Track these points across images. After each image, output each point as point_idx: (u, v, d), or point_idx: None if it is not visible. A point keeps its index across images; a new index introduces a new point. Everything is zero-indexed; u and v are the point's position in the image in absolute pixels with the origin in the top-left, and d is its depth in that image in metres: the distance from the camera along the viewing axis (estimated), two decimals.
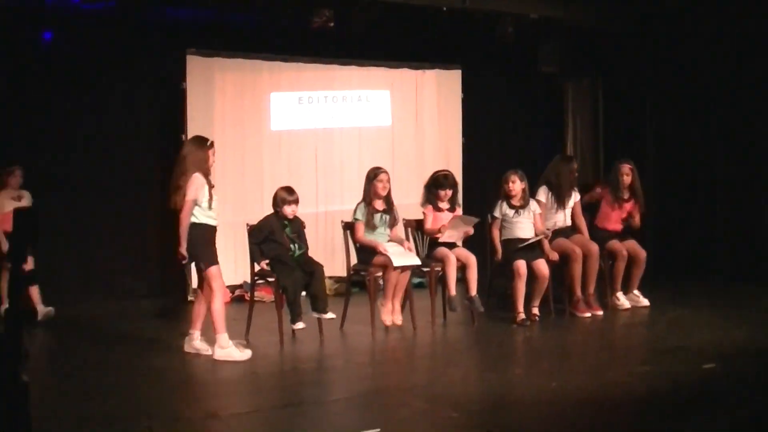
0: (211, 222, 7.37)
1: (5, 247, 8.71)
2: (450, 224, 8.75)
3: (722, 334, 8.11)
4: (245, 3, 9.23)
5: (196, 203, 7.21)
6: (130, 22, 10.18)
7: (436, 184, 8.96)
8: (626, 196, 9.75)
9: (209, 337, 7.43)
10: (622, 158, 9.95)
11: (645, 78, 12.66)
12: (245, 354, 7.25)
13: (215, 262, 7.34)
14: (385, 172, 8.69)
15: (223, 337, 7.23)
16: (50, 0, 9.51)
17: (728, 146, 11.66)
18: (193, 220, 7.24)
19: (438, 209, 8.91)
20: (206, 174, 7.31)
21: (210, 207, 7.31)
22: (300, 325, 7.94)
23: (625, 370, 6.93)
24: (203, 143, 7.43)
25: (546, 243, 9.07)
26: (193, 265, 7.53)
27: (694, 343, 7.74)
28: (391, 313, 8.55)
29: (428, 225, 8.90)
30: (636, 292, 9.68)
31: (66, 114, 10.10)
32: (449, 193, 8.93)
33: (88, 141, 10.27)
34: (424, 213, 8.96)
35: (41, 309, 9.05)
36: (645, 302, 9.63)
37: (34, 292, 8.96)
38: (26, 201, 9.07)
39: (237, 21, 10.76)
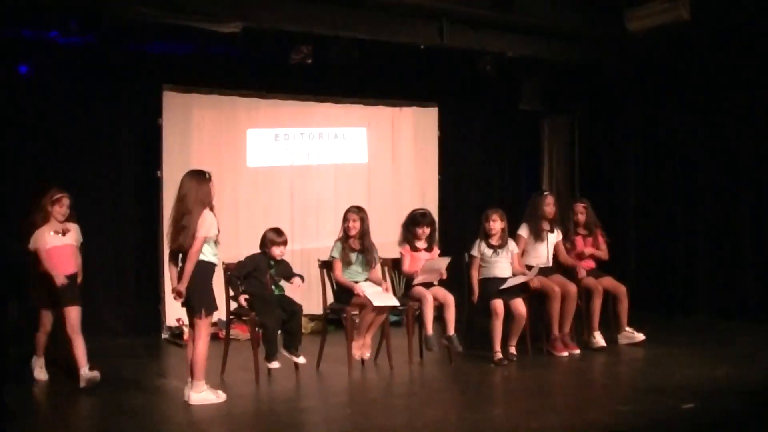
0: (216, 260, 7.21)
1: (56, 284, 7.73)
2: (423, 269, 8.74)
3: (702, 373, 8.09)
4: (224, 38, 9.18)
5: (206, 240, 7.02)
6: (107, 56, 10.11)
7: (414, 222, 8.94)
8: (584, 233, 9.79)
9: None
10: (576, 197, 10.22)
11: (623, 115, 12.72)
12: (221, 397, 7.14)
13: (215, 308, 7.21)
14: (354, 211, 8.65)
15: (201, 384, 7.07)
16: (27, 33, 9.43)
17: (708, 183, 11.70)
18: (200, 257, 7.01)
19: (415, 249, 8.88)
20: (212, 209, 7.13)
21: (217, 244, 7.17)
22: (276, 364, 7.90)
23: (605, 409, 6.90)
24: (203, 177, 7.15)
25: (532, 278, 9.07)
26: (180, 303, 7.24)
27: (673, 382, 7.71)
28: (361, 348, 8.49)
29: (405, 266, 8.87)
30: (628, 329, 9.62)
31: (41, 148, 9.99)
32: (426, 231, 8.90)
33: (63, 175, 10.11)
34: (401, 253, 8.93)
35: (85, 373, 7.64)
36: (640, 337, 9.55)
37: (79, 349, 7.73)
38: (73, 236, 8.01)
39: (215, 56, 10.71)
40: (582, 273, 9.49)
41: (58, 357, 8.09)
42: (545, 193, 9.75)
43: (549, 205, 9.45)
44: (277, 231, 8.23)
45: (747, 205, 11.30)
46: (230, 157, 11.13)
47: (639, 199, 12.57)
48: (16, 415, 6.39)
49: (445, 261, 8.82)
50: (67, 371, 7.90)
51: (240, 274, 8.06)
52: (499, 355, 8.72)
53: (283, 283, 8.27)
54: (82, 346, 7.70)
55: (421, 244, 8.92)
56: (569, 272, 9.55)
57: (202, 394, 7.04)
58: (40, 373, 7.97)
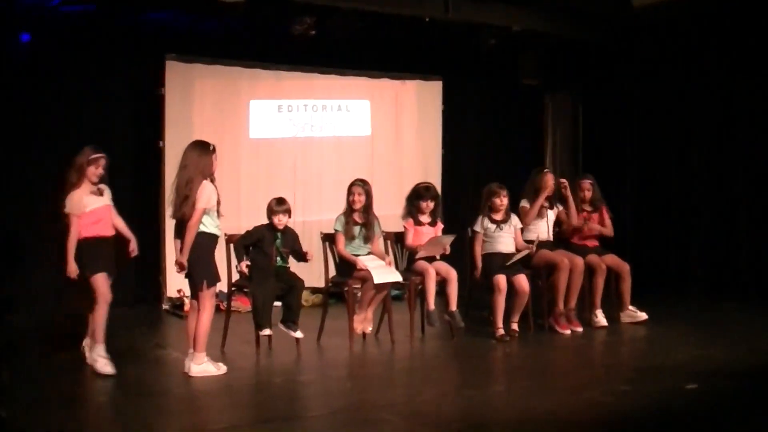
0: (217, 231, 7.16)
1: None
2: (427, 244, 8.70)
3: (702, 353, 8.03)
4: (227, 8, 9.12)
5: (206, 211, 6.96)
6: (109, 25, 10.06)
7: (417, 195, 8.90)
8: (589, 209, 9.74)
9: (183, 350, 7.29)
10: (581, 174, 10.24)
11: (625, 92, 12.68)
12: (221, 369, 7.11)
13: (217, 280, 7.17)
14: (359, 184, 8.61)
15: (201, 355, 7.03)
16: (28, 1, 9.36)
17: (708, 161, 11.68)
18: (201, 228, 6.95)
19: (419, 223, 8.83)
20: (212, 180, 7.07)
21: (219, 214, 7.11)
22: (267, 331, 7.90)
23: (606, 389, 6.85)
24: (206, 148, 7.09)
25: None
26: (184, 275, 7.17)
27: (674, 362, 7.66)
28: (362, 322, 8.48)
29: (408, 240, 8.82)
30: (631, 308, 9.56)
31: (42, 116, 9.94)
32: (430, 204, 8.86)
33: (64, 144, 10.03)
34: (404, 227, 8.89)
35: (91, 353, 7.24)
36: (643, 316, 9.50)
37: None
38: (107, 197, 7.55)
39: (217, 27, 10.66)
40: (590, 225, 9.55)
41: None
42: (545, 170, 9.68)
43: (549, 182, 9.38)
44: (279, 200, 8.20)
45: (745, 184, 11.27)
46: (232, 128, 11.09)
47: (640, 177, 12.54)
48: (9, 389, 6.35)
49: (450, 238, 8.76)
50: None
51: (246, 243, 8.04)
52: (501, 331, 8.69)
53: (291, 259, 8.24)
54: (104, 318, 7.18)
55: (425, 218, 8.87)
56: (573, 248, 9.50)
57: (203, 366, 7.01)
58: (106, 365, 7.04)
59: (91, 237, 7.25)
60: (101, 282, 7.16)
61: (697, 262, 11.81)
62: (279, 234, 8.11)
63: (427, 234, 8.80)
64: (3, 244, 9.29)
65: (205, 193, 6.92)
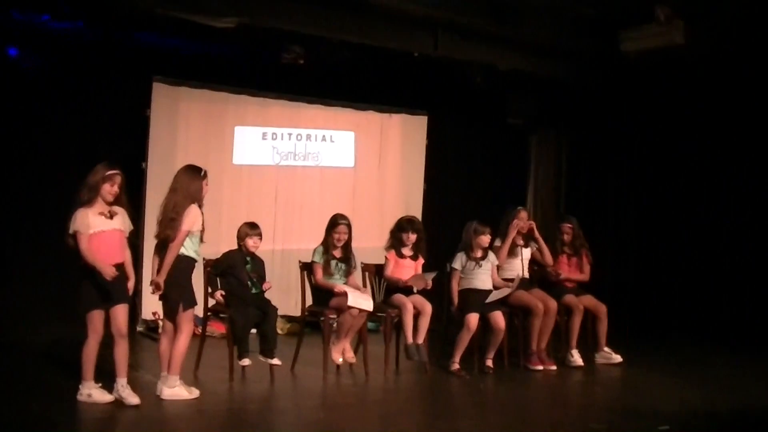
0: (196, 256, 7.11)
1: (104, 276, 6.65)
2: (410, 281, 8.72)
3: (677, 395, 8.06)
4: (217, 33, 9.13)
5: (189, 234, 6.93)
6: (97, 43, 10.05)
7: (401, 228, 8.93)
8: (569, 251, 9.79)
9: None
10: (564, 216, 10.30)
11: (610, 135, 12.75)
12: (193, 393, 7.04)
13: (194, 303, 7.11)
14: (345, 223, 8.60)
15: (174, 378, 6.95)
16: (18, 15, 9.34)
17: (691, 205, 11.73)
18: (181, 251, 6.90)
19: (401, 255, 8.84)
20: (200, 205, 7.07)
21: (201, 240, 7.08)
22: (246, 361, 7.88)
23: (578, 427, 6.86)
24: (197, 173, 7.13)
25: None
26: (158, 297, 7.08)
27: (648, 404, 7.68)
28: (342, 352, 8.42)
29: (388, 271, 8.82)
30: (607, 349, 9.59)
31: (26, 131, 9.90)
32: (412, 237, 8.87)
33: (46, 159, 10.06)
34: (386, 257, 8.89)
35: (122, 388, 6.76)
36: (618, 358, 9.53)
37: (122, 356, 6.80)
38: (120, 221, 6.87)
39: (206, 51, 10.66)
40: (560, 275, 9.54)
41: None
42: (519, 208, 9.70)
43: (522, 220, 9.40)
44: (251, 224, 8.23)
45: (729, 230, 11.33)
46: (216, 153, 11.06)
47: (622, 219, 12.58)
48: None
49: (431, 275, 8.79)
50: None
51: (217, 272, 8.03)
52: (456, 366, 8.71)
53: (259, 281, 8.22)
54: (126, 352, 6.81)
55: (407, 251, 8.89)
56: (551, 287, 9.52)
57: (175, 389, 6.94)
58: (103, 396, 6.73)
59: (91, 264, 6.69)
60: (94, 318, 6.71)
61: (677, 306, 11.83)
62: (248, 259, 8.11)
63: (408, 267, 8.83)
64: None
65: (190, 216, 6.91)
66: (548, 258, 9.52)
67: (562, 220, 10.06)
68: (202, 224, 7.04)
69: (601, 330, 9.57)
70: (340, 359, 8.41)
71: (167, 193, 7.04)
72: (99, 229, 6.74)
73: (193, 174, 7.12)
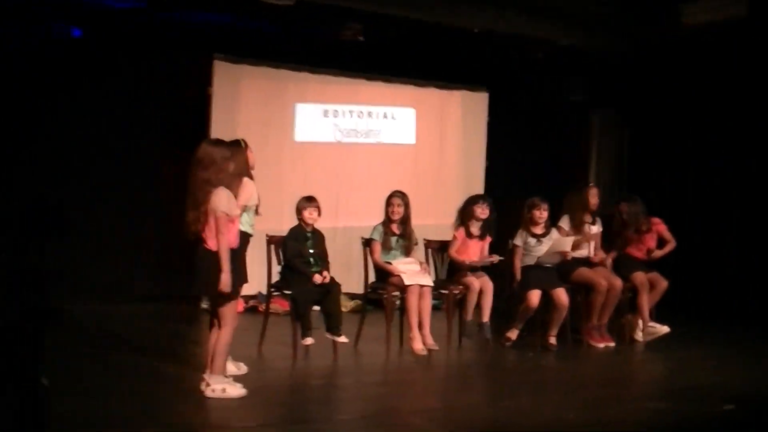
0: (251, 231, 6.97)
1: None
2: (476, 263, 8.75)
3: (739, 375, 7.97)
4: (276, 10, 9.14)
5: (245, 209, 6.78)
6: (159, 22, 10.13)
7: (473, 201, 9.00)
8: (632, 230, 9.67)
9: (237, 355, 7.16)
10: (620, 199, 10.12)
11: (672, 110, 12.55)
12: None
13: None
14: (398, 196, 8.60)
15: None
16: None
17: (756, 184, 11.52)
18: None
19: (469, 234, 8.82)
20: (251, 177, 6.91)
21: (257, 212, 6.94)
22: (309, 341, 7.87)
23: (638, 405, 6.82)
24: (239, 145, 6.85)
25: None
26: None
27: (710, 383, 7.59)
28: (423, 340, 8.30)
29: (453, 249, 8.82)
30: (651, 323, 9.54)
31: (91, 111, 10.05)
32: (486, 210, 8.88)
33: (111, 140, 10.21)
34: (454, 235, 8.89)
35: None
36: (665, 329, 9.46)
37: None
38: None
39: (266, 29, 10.70)
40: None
41: None
42: (590, 184, 9.63)
43: (593, 197, 9.33)
44: (308, 197, 8.16)
45: None
46: (277, 131, 11.12)
47: (686, 197, 12.40)
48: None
49: (496, 259, 8.82)
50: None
51: (289, 256, 7.96)
52: (510, 336, 8.83)
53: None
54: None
55: (476, 230, 8.88)
56: (625, 260, 9.53)
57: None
58: (238, 389, 6.39)
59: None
60: (234, 306, 6.48)
61: (744, 289, 11.63)
62: (309, 234, 8.08)
63: (474, 247, 8.84)
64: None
65: (247, 190, 6.79)
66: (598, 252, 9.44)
67: (619, 200, 9.99)
68: (258, 198, 6.92)
69: (649, 302, 9.49)
70: (422, 348, 8.26)
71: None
72: (235, 213, 6.40)
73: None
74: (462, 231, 8.85)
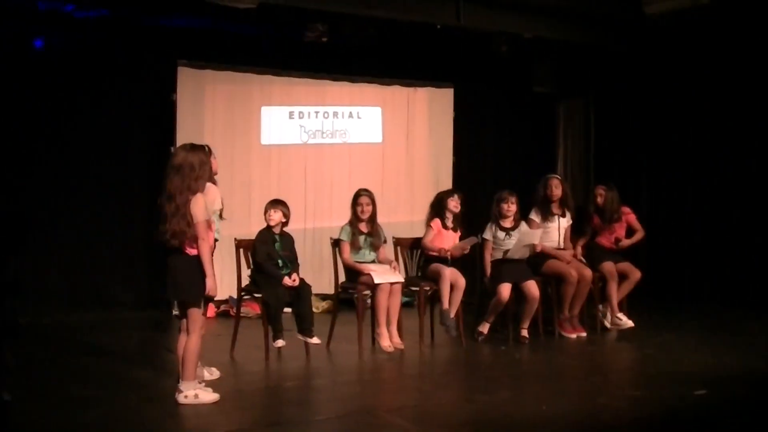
0: (217, 236, 6.80)
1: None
2: (453, 249, 8.75)
3: (712, 360, 8.02)
4: (239, 14, 9.13)
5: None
6: (122, 30, 10.10)
7: (447, 195, 9.07)
8: (605, 217, 9.70)
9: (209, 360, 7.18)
10: (599, 182, 10.15)
11: (638, 100, 12.62)
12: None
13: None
14: (367, 194, 8.61)
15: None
16: (43, 6, 9.39)
17: (722, 170, 11.59)
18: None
19: (444, 226, 8.88)
20: (214, 182, 6.81)
21: (221, 217, 6.87)
22: (280, 343, 7.86)
23: (615, 394, 6.86)
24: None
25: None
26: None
27: (683, 369, 7.65)
28: (390, 338, 8.35)
29: (428, 239, 8.83)
30: (619, 314, 9.59)
31: (54, 121, 10.00)
32: (458, 204, 8.93)
33: (76, 149, 10.15)
34: (430, 226, 8.89)
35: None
36: (629, 324, 9.50)
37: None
38: None
39: (230, 32, 10.67)
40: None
41: None
42: (552, 175, 9.66)
43: (556, 188, 9.36)
44: (274, 200, 8.16)
45: (763, 192, 11.19)
46: (244, 134, 11.12)
47: (652, 185, 12.47)
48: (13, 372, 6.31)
49: (473, 240, 8.82)
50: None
51: (260, 259, 7.94)
52: (482, 330, 8.92)
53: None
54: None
55: (450, 222, 8.92)
56: (595, 250, 9.58)
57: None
58: (210, 395, 6.38)
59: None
60: (200, 313, 6.44)
61: (711, 271, 11.73)
62: (277, 237, 8.06)
63: (449, 238, 8.85)
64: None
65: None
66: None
67: (596, 185, 10.05)
68: (221, 202, 6.86)
69: (621, 293, 9.54)
70: (389, 345, 8.31)
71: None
72: (210, 218, 6.36)
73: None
74: (438, 222, 8.87)
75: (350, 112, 11.87)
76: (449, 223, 8.93)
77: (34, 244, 9.78)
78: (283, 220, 8.07)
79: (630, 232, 9.82)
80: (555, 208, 9.35)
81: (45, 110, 9.93)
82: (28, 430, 5.30)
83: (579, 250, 9.58)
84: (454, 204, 8.92)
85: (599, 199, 9.73)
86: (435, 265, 8.72)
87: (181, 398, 6.28)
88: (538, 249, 8.99)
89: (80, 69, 10.10)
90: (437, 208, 8.98)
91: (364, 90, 12.03)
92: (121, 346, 8.42)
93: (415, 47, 11.73)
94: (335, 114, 11.74)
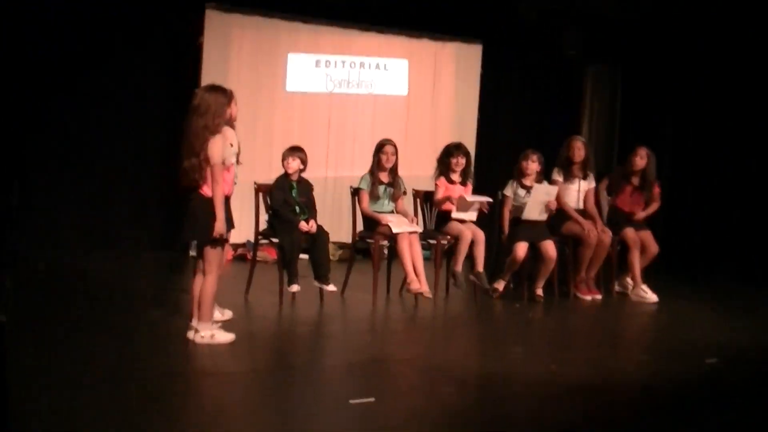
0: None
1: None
2: (459, 201, 8.68)
3: (725, 330, 8.02)
4: None
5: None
6: None
7: (448, 153, 8.92)
8: (635, 182, 9.60)
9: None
10: (640, 143, 9.82)
11: (666, 67, 12.52)
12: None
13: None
14: (391, 144, 8.59)
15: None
16: None
17: (748, 141, 11.52)
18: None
19: (450, 181, 8.82)
20: (233, 127, 6.53)
21: (237, 161, 6.58)
22: (295, 288, 7.85)
23: (625, 358, 6.88)
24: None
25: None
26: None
27: (695, 338, 7.64)
28: (419, 283, 8.23)
29: (438, 195, 8.81)
30: (628, 280, 9.60)
31: (79, 63, 9.94)
32: (461, 161, 8.84)
33: (99, 90, 10.13)
34: (436, 185, 8.87)
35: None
36: (653, 298, 9.40)
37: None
38: None
39: None
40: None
41: None
42: (575, 137, 9.59)
43: (579, 150, 9.30)
44: (292, 147, 8.09)
45: None
46: (269, 81, 11.08)
47: (676, 156, 12.40)
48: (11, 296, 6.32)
49: (482, 199, 8.75)
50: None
51: (276, 204, 7.93)
52: (497, 287, 8.90)
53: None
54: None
55: (456, 177, 8.86)
56: (611, 212, 9.55)
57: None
58: (226, 335, 6.44)
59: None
60: (221, 253, 6.48)
61: (731, 245, 11.68)
62: (294, 184, 8.02)
63: (459, 192, 8.78)
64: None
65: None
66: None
67: (639, 145, 9.72)
68: (238, 146, 6.64)
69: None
70: (419, 288, 8.20)
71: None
72: (230, 161, 6.39)
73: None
74: (443, 179, 8.84)
75: (377, 64, 11.82)
76: (455, 178, 8.88)
77: (48, 185, 9.82)
78: (301, 167, 8.02)
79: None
80: (576, 170, 9.29)
81: (70, 51, 9.86)
82: (43, 372, 5.33)
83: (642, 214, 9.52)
84: (455, 162, 8.85)
85: (640, 161, 9.52)
86: (455, 225, 8.69)
87: (197, 338, 6.33)
88: (553, 207, 8.93)
89: (107, 10, 10.04)
90: (441, 164, 8.95)
91: (392, 41, 11.96)
92: (136, 287, 8.45)
93: (445, 1, 11.65)
94: (362, 64, 11.69)
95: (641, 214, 9.57)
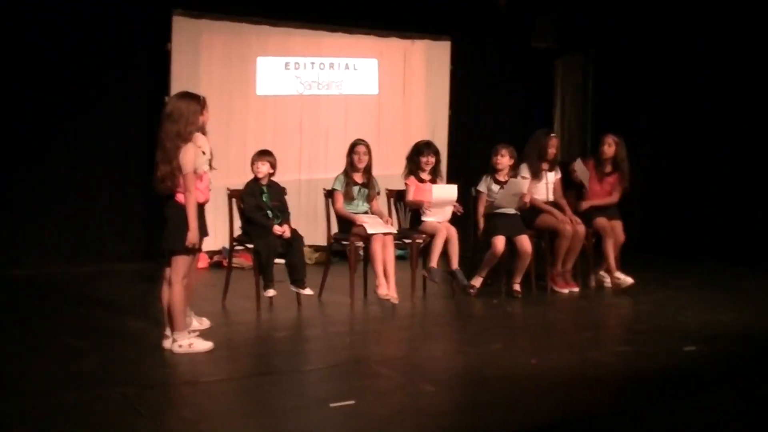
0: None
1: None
2: (434, 197, 8.66)
3: (707, 317, 8.03)
4: None
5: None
6: None
7: (418, 152, 8.90)
8: (608, 169, 9.57)
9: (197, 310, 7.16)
10: (607, 131, 9.84)
11: (639, 54, 12.56)
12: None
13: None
14: (364, 144, 8.59)
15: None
16: None
17: (721, 126, 11.58)
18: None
19: (420, 180, 8.81)
20: (204, 133, 6.42)
21: (211, 167, 6.47)
22: (271, 292, 7.85)
23: (605, 349, 6.87)
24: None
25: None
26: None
27: (676, 325, 7.66)
28: (387, 288, 8.26)
29: (410, 196, 8.80)
30: (602, 273, 9.61)
31: (48, 72, 9.90)
32: (431, 160, 8.84)
33: (70, 99, 10.07)
34: (406, 184, 8.87)
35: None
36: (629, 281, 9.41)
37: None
38: None
39: None
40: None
41: None
42: (552, 134, 9.58)
43: (552, 147, 9.31)
44: (261, 151, 8.09)
45: (761, 150, 11.17)
46: (240, 85, 11.08)
47: (650, 142, 12.44)
48: None
49: (454, 188, 8.75)
50: None
51: (248, 207, 7.93)
52: (475, 284, 8.84)
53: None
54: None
55: (426, 175, 8.85)
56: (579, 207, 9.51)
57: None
58: (204, 343, 6.39)
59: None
60: (189, 262, 6.38)
61: (708, 229, 11.74)
62: (264, 188, 8.00)
63: (429, 191, 8.75)
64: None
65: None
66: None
67: (606, 133, 9.72)
68: (210, 152, 6.50)
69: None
70: (387, 294, 8.21)
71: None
72: (203, 169, 6.29)
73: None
74: (413, 178, 8.84)
75: (346, 64, 11.83)
76: (425, 176, 8.87)
77: (30, 197, 9.77)
78: (271, 171, 8.02)
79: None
80: (545, 166, 9.30)
81: (37, 59, 9.82)
82: (22, 380, 5.29)
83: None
84: (425, 161, 8.84)
85: (608, 149, 9.51)
86: (430, 223, 8.71)
87: (175, 348, 6.29)
88: (527, 199, 8.94)
89: (74, 17, 9.99)
90: (411, 163, 8.93)
91: (361, 41, 11.97)
92: (117, 297, 8.41)
93: None
94: (331, 65, 11.70)
95: (595, 202, 9.50)
